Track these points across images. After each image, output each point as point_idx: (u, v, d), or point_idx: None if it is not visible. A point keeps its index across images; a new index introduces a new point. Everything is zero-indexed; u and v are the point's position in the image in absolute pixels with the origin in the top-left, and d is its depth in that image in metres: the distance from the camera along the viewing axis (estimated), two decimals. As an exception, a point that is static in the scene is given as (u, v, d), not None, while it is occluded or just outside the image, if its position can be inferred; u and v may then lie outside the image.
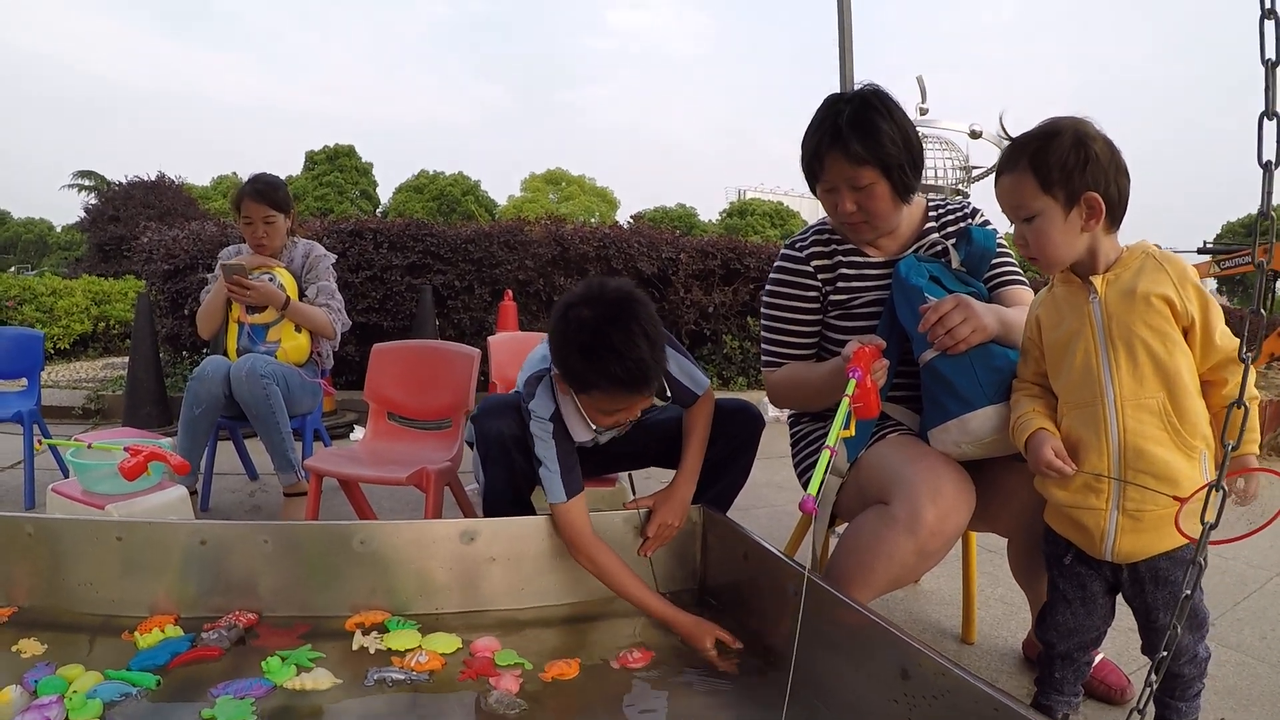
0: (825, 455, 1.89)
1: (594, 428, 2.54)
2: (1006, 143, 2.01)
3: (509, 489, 2.64)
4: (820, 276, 2.59)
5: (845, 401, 2.02)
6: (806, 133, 2.44)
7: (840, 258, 2.58)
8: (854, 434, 2.17)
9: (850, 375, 2.06)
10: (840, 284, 2.56)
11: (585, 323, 2.28)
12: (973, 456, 2.22)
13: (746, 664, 2.25)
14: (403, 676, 2.12)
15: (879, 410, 2.16)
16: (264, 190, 4.07)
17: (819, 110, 2.43)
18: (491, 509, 2.67)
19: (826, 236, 2.63)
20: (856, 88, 2.43)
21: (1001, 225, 2.54)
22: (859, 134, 2.32)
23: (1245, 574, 3.53)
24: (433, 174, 63.22)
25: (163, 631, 2.27)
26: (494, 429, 2.58)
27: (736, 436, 2.77)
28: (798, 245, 2.66)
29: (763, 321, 2.71)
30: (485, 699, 2.01)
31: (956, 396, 2.22)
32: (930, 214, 2.63)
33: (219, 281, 3.98)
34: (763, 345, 2.72)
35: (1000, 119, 2.07)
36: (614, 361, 2.26)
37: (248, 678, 2.08)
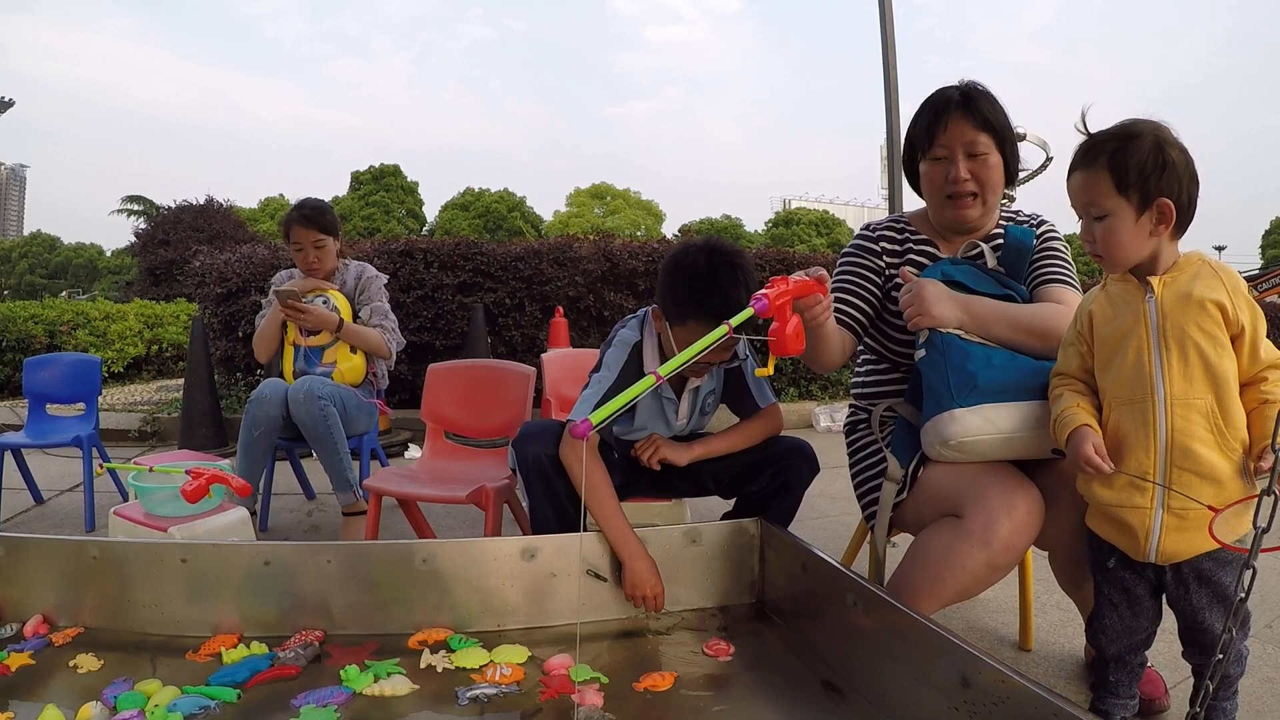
0: (648, 380, 1.86)
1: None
2: (1084, 138, 1.99)
3: (552, 511, 2.64)
4: (886, 259, 2.61)
5: (723, 328, 1.91)
6: (923, 105, 2.51)
7: (911, 245, 2.61)
8: (771, 373, 2.15)
9: (753, 305, 1.95)
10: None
11: (699, 265, 2.55)
12: (950, 460, 2.23)
13: (813, 674, 2.22)
14: (494, 691, 2.10)
15: (799, 350, 2.07)
16: (312, 215, 4.10)
17: (932, 93, 2.51)
18: (539, 532, 2.67)
19: (901, 226, 2.67)
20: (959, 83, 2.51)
21: (1067, 225, 2.52)
22: (984, 101, 2.43)
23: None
24: (478, 191, 63.54)
25: (248, 648, 2.28)
26: (533, 453, 2.61)
27: (785, 474, 2.77)
28: (871, 228, 2.71)
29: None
30: (575, 715, 1.98)
31: (932, 396, 2.26)
32: (1001, 221, 2.63)
33: (274, 306, 4.00)
34: None
35: (1083, 116, 2.04)
36: (716, 296, 2.50)
37: (327, 687, 2.10)
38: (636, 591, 2.49)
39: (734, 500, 2.94)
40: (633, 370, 2.67)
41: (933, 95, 2.49)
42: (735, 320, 1.92)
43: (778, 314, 2.00)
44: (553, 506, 2.62)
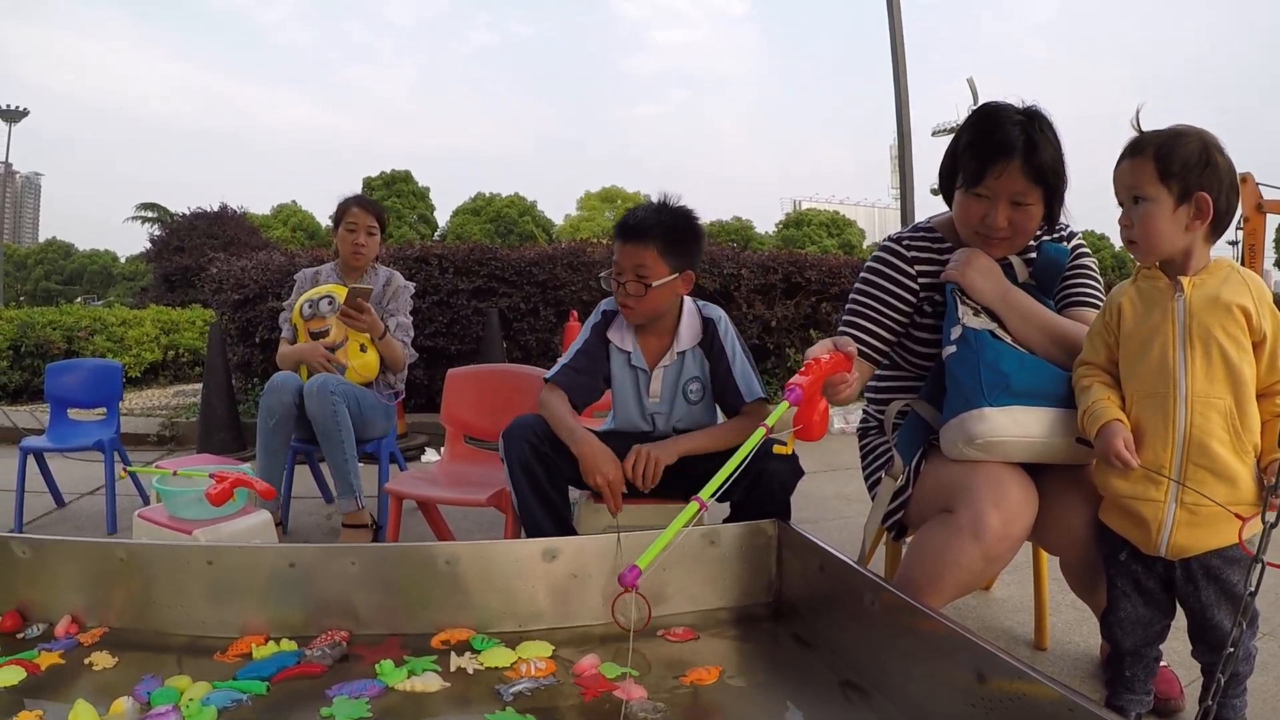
0: (692, 508, 1.93)
1: (627, 349, 2.95)
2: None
3: (536, 499, 2.72)
4: (921, 280, 2.51)
5: (760, 431, 2.03)
6: (980, 134, 2.34)
7: (936, 256, 2.52)
8: (790, 451, 2.19)
9: (787, 398, 2.03)
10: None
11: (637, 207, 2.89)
12: (971, 459, 2.20)
13: (832, 673, 2.23)
14: (535, 685, 2.11)
15: (822, 434, 2.15)
16: (372, 202, 4.33)
17: (985, 115, 2.35)
18: (525, 521, 2.76)
19: (938, 236, 2.57)
20: (1021, 105, 2.35)
21: (1078, 222, 2.51)
22: (1046, 149, 2.28)
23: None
24: (489, 195, 63.52)
25: (278, 645, 2.30)
26: (515, 448, 2.73)
27: (764, 480, 2.66)
28: (904, 243, 2.57)
29: (847, 304, 2.61)
30: (627, 708, 1.99)
31: (959, 393, 2.24)
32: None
33: (300, 347, 4.02)
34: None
35: (1137, 114, 2.05)
36: (629, 214, 2.85)
37: (359, 680, 2.13)
38: (594, 476, 2.63)
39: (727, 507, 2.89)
40: (600, 340, 2.97)
41: (993, 125, 2.32)
42: (771, 419, 2.07)
43: (807, 401, 2.05)
44: (536, 495, 2.72)
